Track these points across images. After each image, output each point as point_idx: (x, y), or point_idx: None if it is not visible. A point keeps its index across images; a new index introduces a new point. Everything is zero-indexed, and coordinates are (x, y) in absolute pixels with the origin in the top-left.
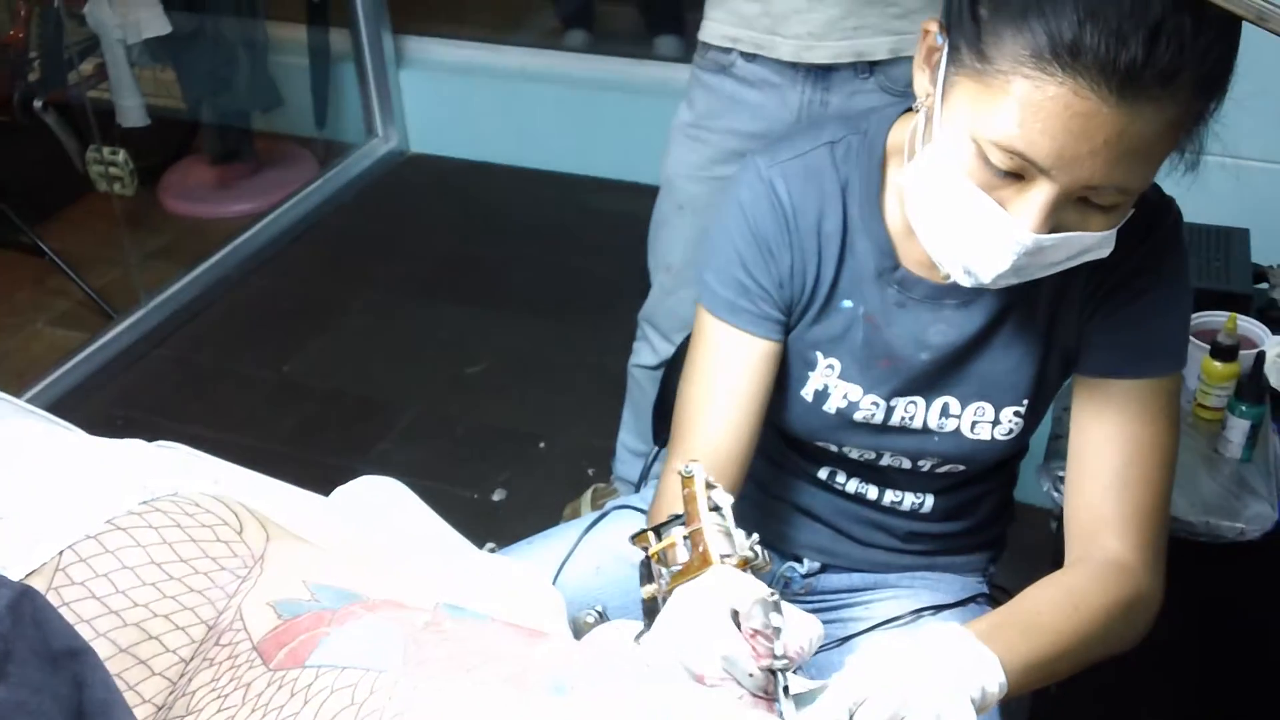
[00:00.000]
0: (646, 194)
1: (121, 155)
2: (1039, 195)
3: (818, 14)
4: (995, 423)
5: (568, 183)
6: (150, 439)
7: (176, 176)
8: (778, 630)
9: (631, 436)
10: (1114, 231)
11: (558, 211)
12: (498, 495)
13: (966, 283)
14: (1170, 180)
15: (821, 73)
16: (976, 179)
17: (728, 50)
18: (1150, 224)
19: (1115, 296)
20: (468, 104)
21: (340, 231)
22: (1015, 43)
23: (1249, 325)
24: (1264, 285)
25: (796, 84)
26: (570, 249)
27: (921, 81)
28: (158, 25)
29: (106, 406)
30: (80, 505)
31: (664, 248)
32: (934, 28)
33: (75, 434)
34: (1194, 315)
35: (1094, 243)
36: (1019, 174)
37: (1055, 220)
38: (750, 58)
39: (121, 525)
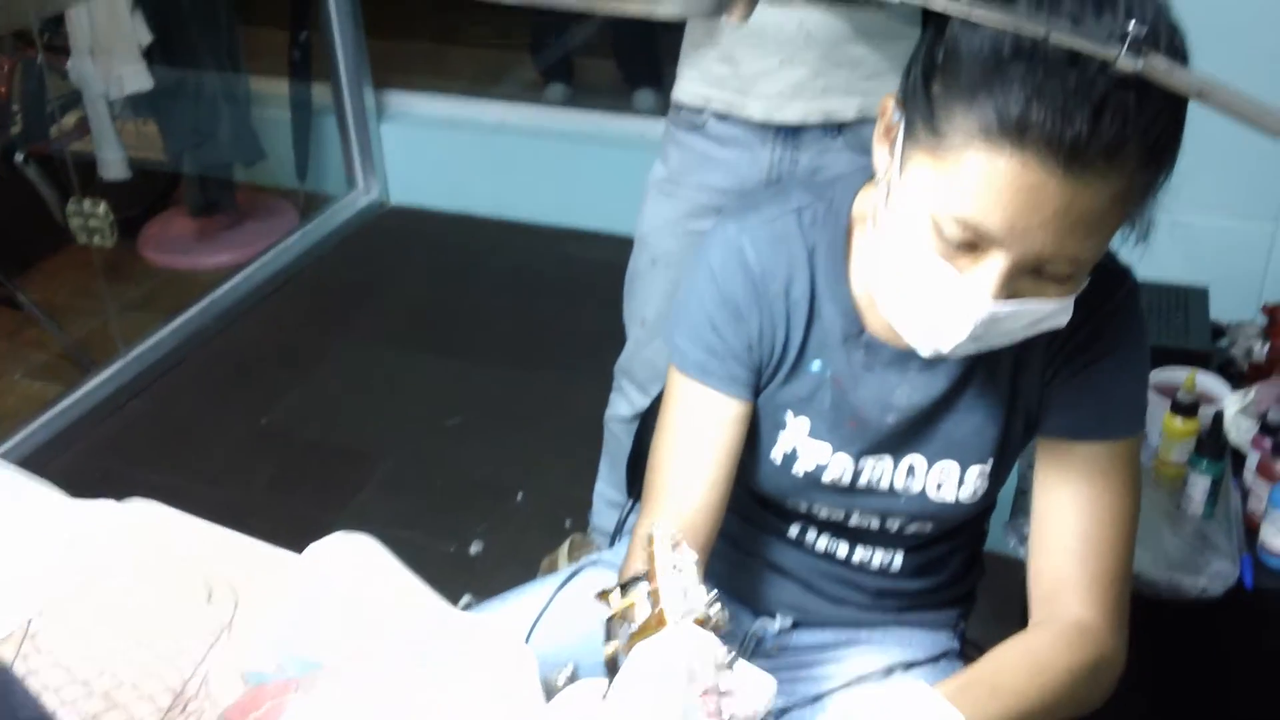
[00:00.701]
0: (625, 244)
1: (102, 207)
2: (994, 266)
3: (787, 75)
4: (960, 483)
5: (547, 234)
6: (126, 493)
7: (157, 228)
8: (730, 690)
9: (608, 487)
10: (1070, 301)
11: (537, 262)
12: (475, 547)
13: (926, 352)
14: (1129, 242)
15: (791, 132)
16: (934, 250)
17: (700, 109)
18: (1107, 292)
19: (1075, 361)
20: (448, 156)
21: (320, 282)
22: (966, 119)
23: (1209, 381)
24: (1223, 342)
25: (767, 143)
26: (549, 300)
27: (881, 155)
28: (140, 81)
29: (83, 459)
30: (50, 571)
31: (639, 301)
32: (891, 104)
33: (49, 492)
34: (1155, 371)
35: (1051, 312)
36: (974, 245)
37: (1011, 290)
38: (722, 117)
39: (91, 592)
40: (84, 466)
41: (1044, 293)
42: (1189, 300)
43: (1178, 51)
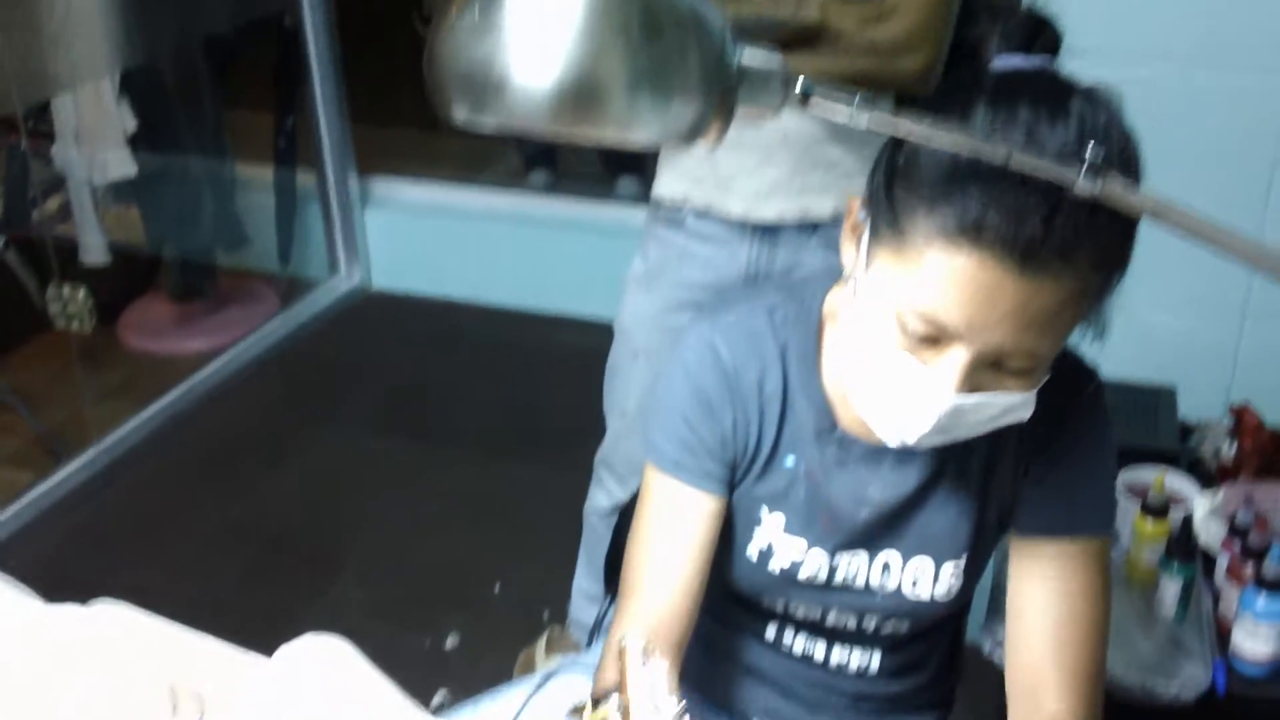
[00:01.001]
0: (607, 330)
1: (81, 293)
2: (955, 359)
3: (765, 175)
4: (935, 579)
5: (529, 319)
6: (94, 587)
7: (136, 313)
8: None
9: (586, 580)
10: (1033, 394)
11: (519, 348)
12: (451, 640)
13: (893, 443)
14: (1089, 339)
15: (769, 230)
16: (898, 344)
17: (680, 206)
18: (1075, 390)
19: (1045, 458)
20: (431, 242)
21: (299, 368)
22: (927, 221)
23: (1178, 481)
24: (1192, 441)
25: (745, 239)
26: (531, 386)
27: (848, 252)
28: (124, 167)
29: (50, 551)
30: (10, 683)
31: (619, 393)
32: (857, 204)
33: (15, 594)
34: (1124, 471)
35: (1013, 405)
36: (935, 339)
37: (973, 383)
38: (701, 214)
39: (51, 704)
40: (52, 559)
41: (1005, 386)
42: (1158, 400)
43: (1130, 161)
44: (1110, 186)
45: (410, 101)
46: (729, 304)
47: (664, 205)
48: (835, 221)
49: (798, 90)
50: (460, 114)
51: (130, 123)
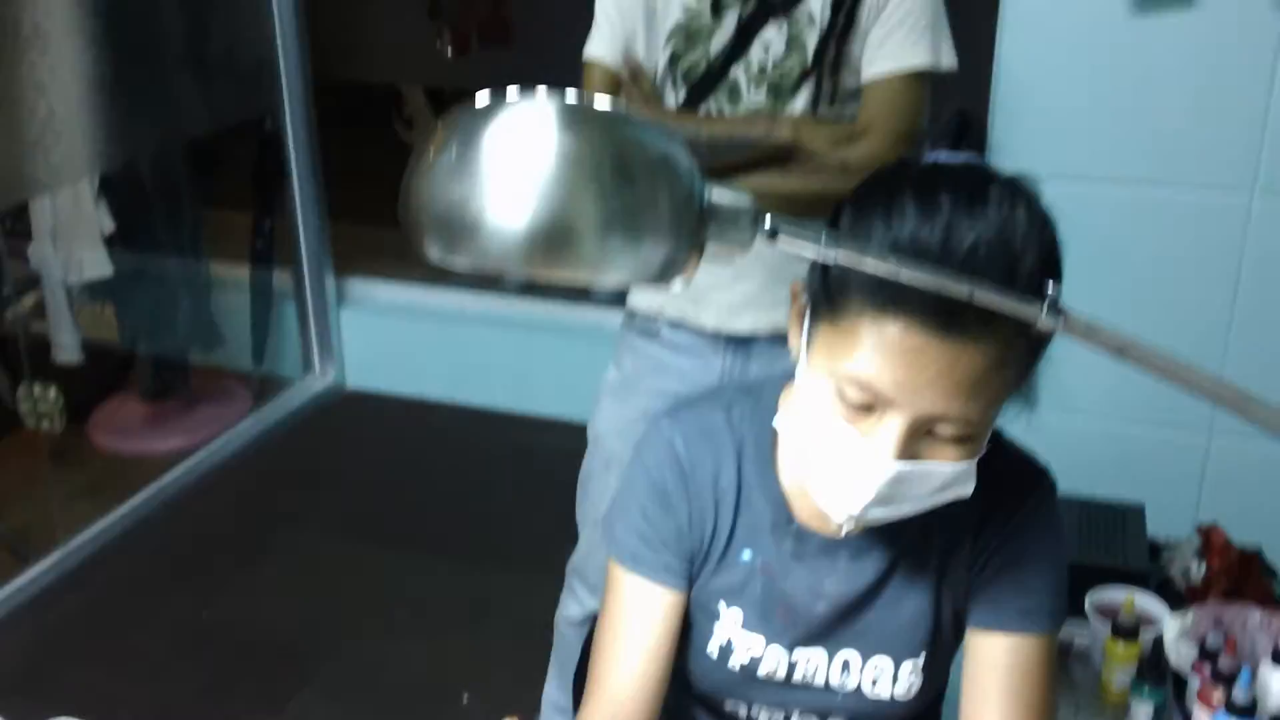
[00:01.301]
0: (581, 432)
1: (52, 392)
2: (891, 424)
3: (738, 288)
4: (895, 679)
5: (503, 420)
6: (57, 693)
7: (107, 412)
8: None
9: (557, 692)
10: (973, 466)
11: (492, 449)
12: None
13: (840, 518)
14: (1061, 448)
15: (742, 342)
16: (838, 414)
17: (654, 317)
18: (1027, 489)
19: (998, 555)
20: (406, 342)
21: (270, 469)
22: (858, 293)
23: (1148, 602)
24: (1162, 559)
25: (719, 351)
26: (503, 489)
27: (794, 337)
28: (100, 267)
29: (13, 656)
30: None
31: (592, 502)
32: (799, 288)
33: None
34: (1094, 591)
35: (954, 475)
36: (871, 406)
37: (911, 450)
38: (675, 325)
39: None
40: (16, 664)
41: (943, 455)
42: (1126, 518)
43: (1048, 248)
44: (1073, 322)
45: (388, 200)
46: (690, 404)
47: (638, 316)
48: None
49: (766, 228)
50: (434, 253)
51: (108, 223)
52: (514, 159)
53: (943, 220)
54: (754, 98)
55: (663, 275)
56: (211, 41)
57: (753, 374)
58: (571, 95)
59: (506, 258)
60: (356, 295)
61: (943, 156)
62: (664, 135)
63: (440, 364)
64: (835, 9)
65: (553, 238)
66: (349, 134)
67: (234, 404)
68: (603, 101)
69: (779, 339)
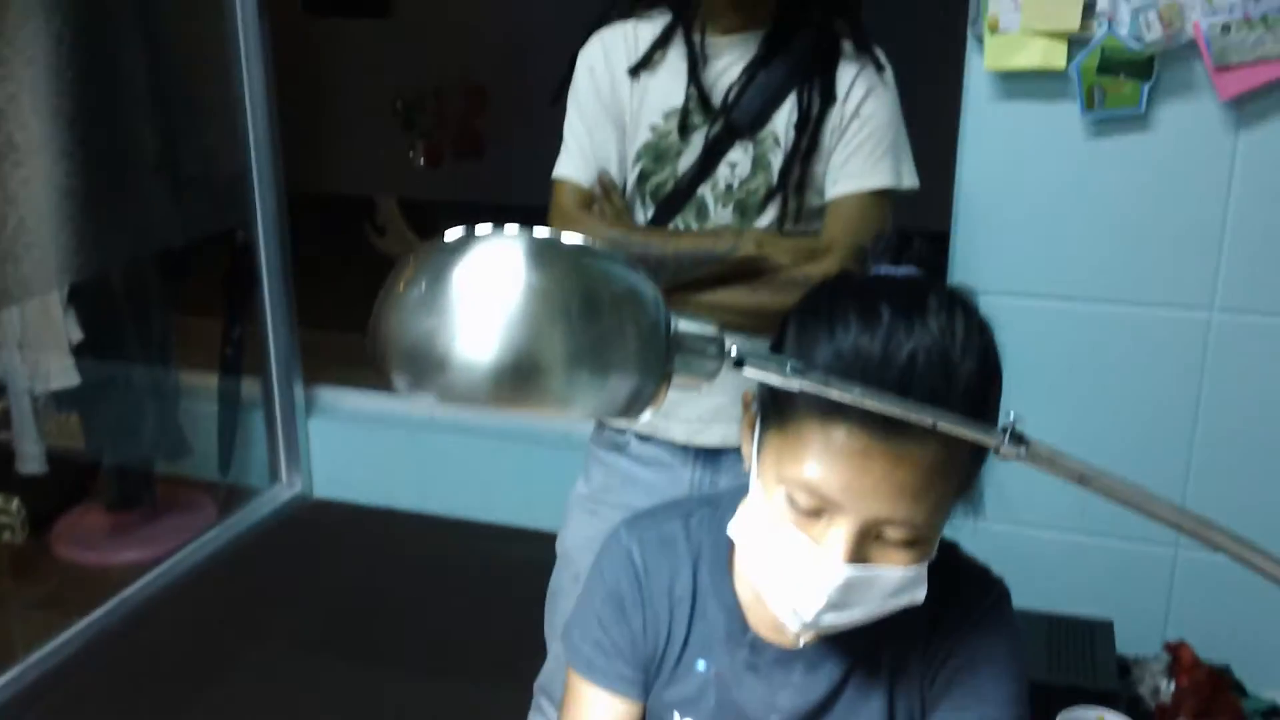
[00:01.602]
0: (550, 543)
1: (15, 503)
2: (840, 528)
3: (707, 401)
4: None
5: (472, 529)
6: None
7: (70, 522)
8: None
9: None
10: (923, 571)
11: (460, 559)
12: None
13: (794, 625)
14: (1026, 562)
15: (711, 455)
16: (789, 520)
17: (623, 430)
18: (979, 599)
19: (950, 663)
20: (374, 450)
21: (235, 581)
22: (804, 399)
23: None
24: (1131, 678)
25: (688, 464)
26: (471, 601)
27: (745, 446)
28: (67, 377)
29: None
30: None
31: (560, 618)
32: (750, 398)
33: None
34: (1065, 711)
35: (905, 581)
36: (820, 511)
37: (860, 554)
38: (644, 438)
39: None
40: None
41: (893, 560)
42: (1095, 635)
43: (987, 354)
44: (1035, 450)
45: (358, 307)
46: (650, 513)
47: (607, 429)
48: None
49: (732, 356)
50: (401, 386)
51: (76, 333)
52: (482, 294)
53: (883, 330)
54: (721, 216)
55: (629, 408)
56: (185, 154)
57: (722, 487)
58: (540, 231)
59: (473, 392)
60: (325, 404)
61: (885, 270)
62: (629, 268)
63: (408, 473)
64: (799, 131)
65: (520, 373)
66: (320, 240)
67: (199, 514)
68: (570, 235)
69: None
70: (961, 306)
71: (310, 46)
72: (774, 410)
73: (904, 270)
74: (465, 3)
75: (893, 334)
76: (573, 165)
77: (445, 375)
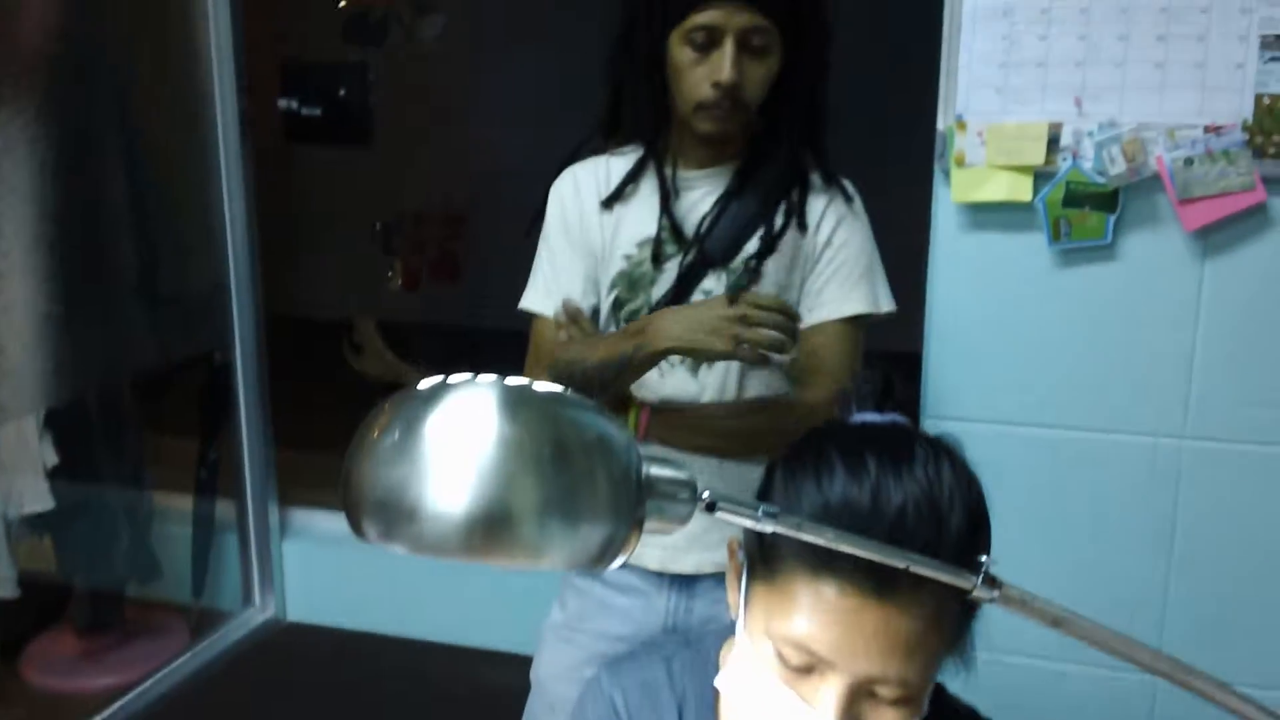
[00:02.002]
0: (528, 664)
1: None
2: (831, 687)
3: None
4: None
5: (448, 654)
6: None
7: (41, 647)
8: None
9: None
10: None
11: (436, 683)
12: None
13: None
14: (1005, 690)
15: (686, 581)
16: (777, 676)
17: None
18: None
19: None
20: (349, 573)
21: (208, 706)
22: (793, 555)
23: None
24: None
25: (663, 591)
26: None
27: (732, 595)
28: (41, 501)
29: None
30: None
31: None
32: (735, 546)
33: None
34: None
35: None
36: (811, 668)
37: (853, 713)
38: (619, 565)
39: None
40: None
41: (885, 718)
42: None
43: (974, 507)
44: (1009, 593)
45: (334, 427)
46: (631, 656)
47: None
48: None
49: (704, 500)
50: (372, 535)
51: (51, 457)
52: (454, 445)
53: (870, 481)
54: None
55: (601, 557)
56: (165, 278)
57: (698, 614)
58: (512, 380)
59: (444, 543)
60: (299, 525)
61: (869, 417)
62: (601, 414)
63: (383, 596)
64: (762, 260)
65: (492, 524)
66: (298, 360)
67: (171, 638)
68: (542, 384)
69: (722, 578)
70: (948, 456)
71: (292, 172)
72: (761, 561)
73: (888, 417)
74: (445, 132)
75: (881, 485)
76: (538, 299)
77: (416, 526)
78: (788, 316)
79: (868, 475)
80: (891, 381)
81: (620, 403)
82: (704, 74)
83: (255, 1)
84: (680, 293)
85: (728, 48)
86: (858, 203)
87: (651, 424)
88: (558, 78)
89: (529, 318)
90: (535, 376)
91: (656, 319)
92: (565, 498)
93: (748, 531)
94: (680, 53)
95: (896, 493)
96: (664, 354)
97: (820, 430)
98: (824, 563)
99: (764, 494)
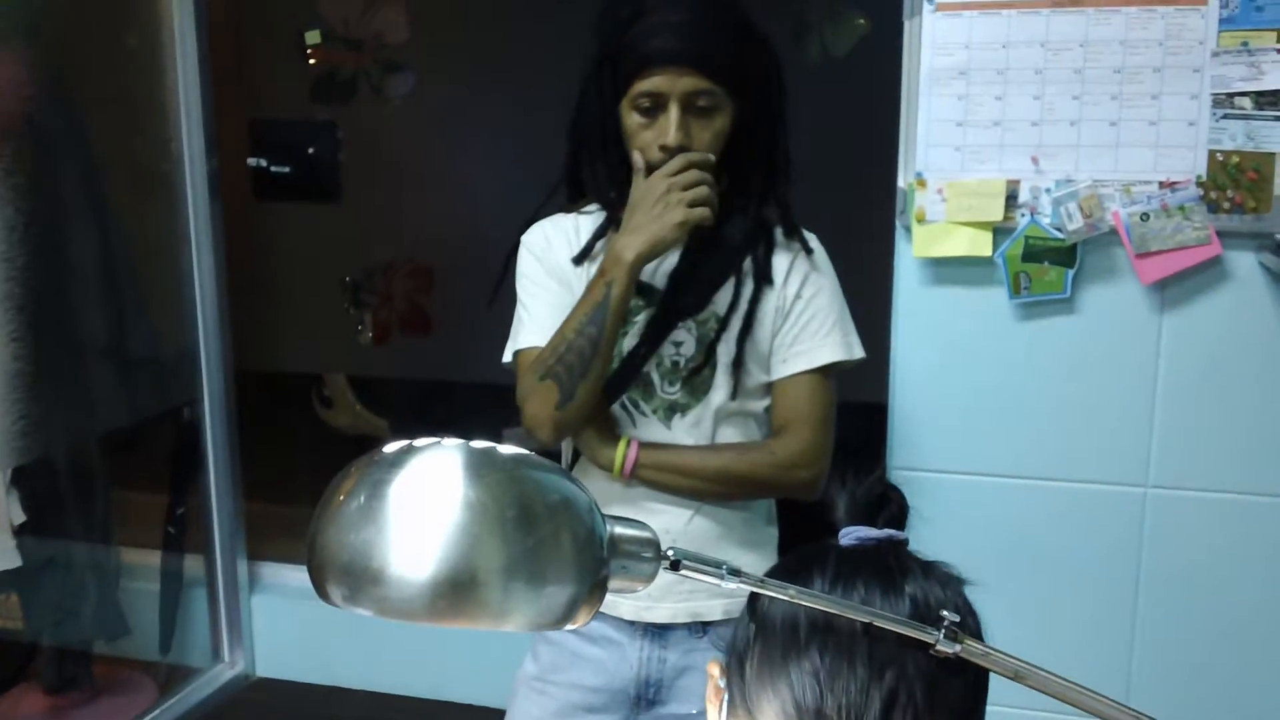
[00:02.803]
0: (498, 717)
1: None
2: None
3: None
4: None
5: (419, 707)
6: None
7: (7, 706)
8: None
9: None
10: None
11: None
12: None
13: None
14: None
15: (659, 631)
16: None
17: None
18: None
19: None
20: (318, 627)
21: None
22: (771, 704)
23: None
24: None
25: (636, 640)
26: None
27: (712, 713)
28: (7, 559)
29: None
30: None
31: None
32: (717, 671)
33: None
34: None
35: None
36: None
37: None
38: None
39: None
40: None
41: None
42: None
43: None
44: (970, 648)
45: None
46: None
47: None
48: (726, 621)
49: (669, 559)
50: (337, 599)
51: (18, 515)
52: (419, 509)
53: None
54: (668, 393)
55: (566, 617)
56: (134, 335)
57: (670, 664)
58: (477, 443)
59: (409, 606)
60: (268, 580)
61: (861, 534)
62: (564, 476)
63: (353, 650)
64: (733, 311)
65: (457, 587)
66: (267, 414)
67: (139, 695)
68: (506, 446)
69: (696, 628)
70: (940, 582)
71: (260, 230)
72: (741, 702)
73: (882, 533)
74: (414, 187)
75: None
76: (530, 336)
77: (381, 589)
78: (702, 166)
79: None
80: (887, 494)
81: (610, 432)
82: (652, 137)
83: (224, 62)
84: (650, 345)
85: (672, 112)
86: (820, 253)
87: (639, 461)
88: (526, 133)
89: (510, 370)
90: (528, 394)
91: (609, 249)
92: (530, 560)
93: (730, 663)
94: (630, 118)
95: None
96: (635, 268)
97: (812, 550)
98: (803, 714)
99: (752, 603)
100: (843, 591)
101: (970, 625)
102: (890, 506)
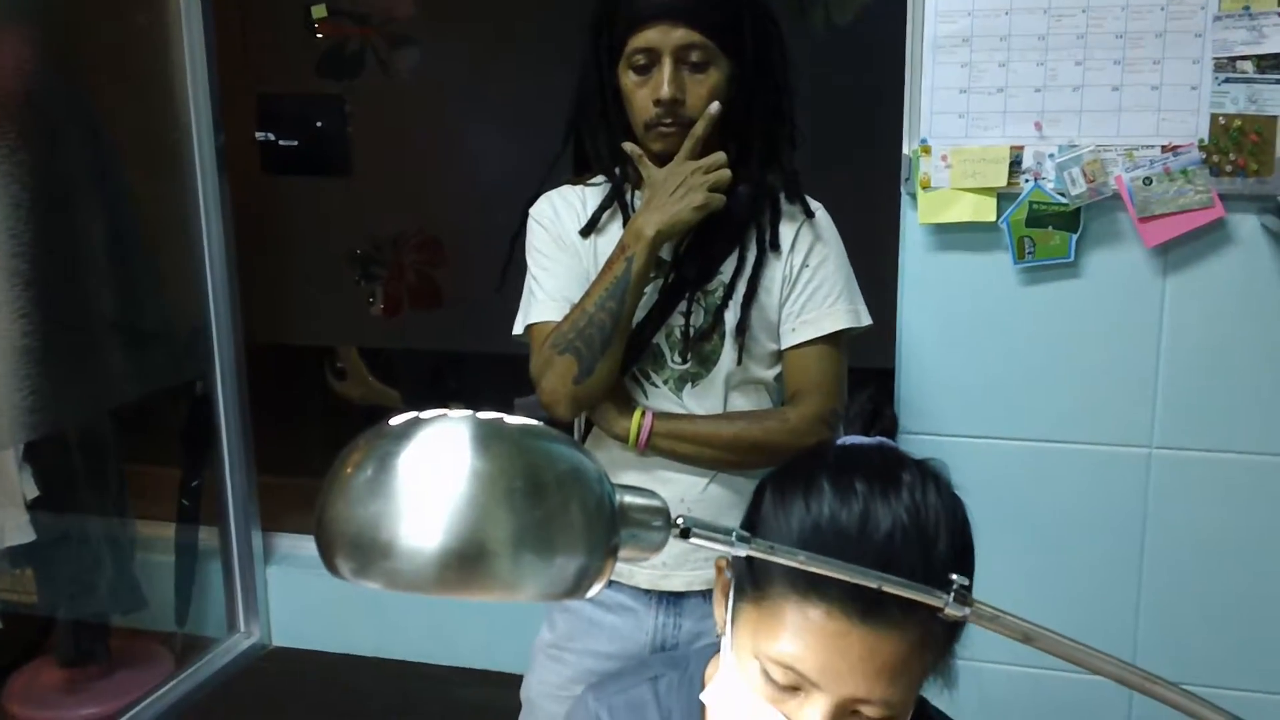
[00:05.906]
0: (513, 683)
1: None
2: (816, 707)
3: (671, 545)
4: None
5: (434, 674)
6: None
7: (24, 679)
8: None
9: None
10: None
11: (421, 704)
12: None
13: None
14: (981, 698)
15: (674, 599)
16: (762, 694)
17: None
18: None
19: None
20: (333, 596)
21: None
22: (781, 577)
23: None
24: None
25: (652, 609)
26: None
27: (719, 613)
28: (23, 534)
29: None
30: None
31: None
32: (723, 564)
33: None
34: None
35: None
36: (797, 687)
37: None
38: (608, 584)
39: None
40: None
41: None
42: None
43: (958, 527)
44: (980, 609)
45: (316, 452)
46: (616, 676)
47: None
48: None
49: (678, 527)
50: (345, 572)
51: (31, 490)
52: (427, 481)
53: (858, 505)
54: (677, 363)
55: (576, 587)
56: (144, 310)
57: (685, 631)
58: (484, 414)
59: (419, 579)
60: (283, 551)
61: (856, 440)
62: (573, 446)
63: (368, 618)
64: (738, 278)
65: (466, 559)
66: (279, 386)
67: (156, 667)
68: (514, 416)
69: (711, 594)
70: (934, 480)
71: (270, 204)
72: (751, 584)
73: (875, 440)
74: (422, 159)
75: (869, 509)
76: (543, 309)
77: (390, 563)
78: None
79: (856, 499)
80: (879, 404)
81: (625, 403)
82: (647, 94)
83: (230, 37)
84: (659, 316)
85: (665, 65)
86: (826, 221)
87: (654, 430)
88: (533, 105)
89: (522, 342)
90: (544, 368)
91: (630, 226)
92: (539, 530)
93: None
94: (626, 78)
95: (885, 517)
96: (655, 244)
97: (809, 452)
98: (811, 585)
99: (753, 513)
100: (841, 493)
101: (958, 519)
102: (882, 420)
